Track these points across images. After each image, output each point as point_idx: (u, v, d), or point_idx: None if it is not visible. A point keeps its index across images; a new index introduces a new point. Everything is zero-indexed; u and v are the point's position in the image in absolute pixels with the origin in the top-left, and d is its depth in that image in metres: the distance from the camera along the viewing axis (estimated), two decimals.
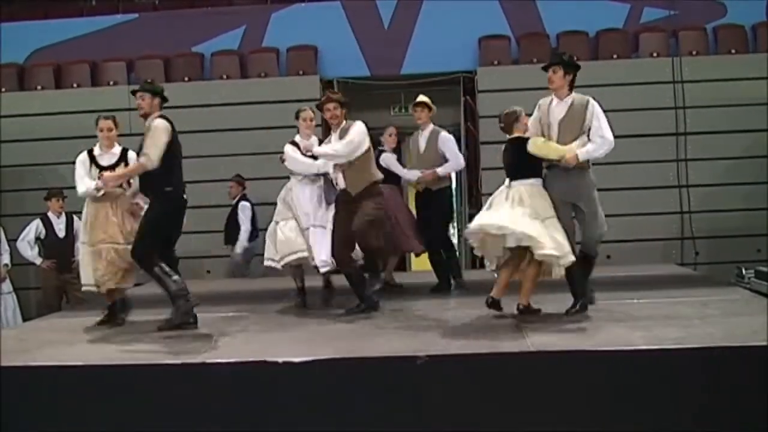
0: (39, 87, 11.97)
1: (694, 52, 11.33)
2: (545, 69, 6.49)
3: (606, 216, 6.52)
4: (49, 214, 9.55)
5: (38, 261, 9.51)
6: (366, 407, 4.98)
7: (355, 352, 5.42)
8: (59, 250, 9.42)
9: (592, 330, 5.85)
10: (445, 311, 7.14)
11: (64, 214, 9.49)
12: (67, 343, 6.17)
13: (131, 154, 6.89)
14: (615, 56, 11.42)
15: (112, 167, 6.82)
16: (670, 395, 4.87)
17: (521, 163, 6.40)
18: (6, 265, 9.64)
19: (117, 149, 6.99)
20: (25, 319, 9.37)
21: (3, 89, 11.86)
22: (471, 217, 11.97)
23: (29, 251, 9.49)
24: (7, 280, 9.68)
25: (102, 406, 5.06)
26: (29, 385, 5.17)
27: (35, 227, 9.52)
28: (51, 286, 9.49)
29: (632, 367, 4.96)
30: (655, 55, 11.38)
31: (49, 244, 9.46)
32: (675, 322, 5.89)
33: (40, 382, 5.18)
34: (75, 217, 8.89)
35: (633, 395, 4.89)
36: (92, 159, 6.88)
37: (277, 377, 5.06)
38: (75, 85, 11.90)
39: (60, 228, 9.46)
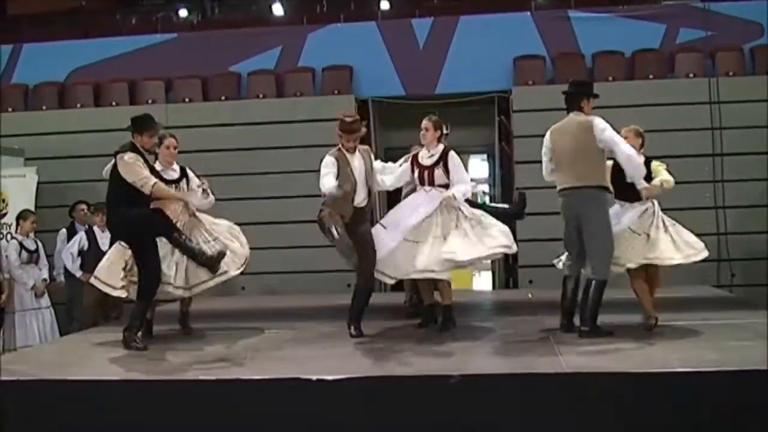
0: (79, 105, 12.18)
1: (730, 73, 11.24)
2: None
3: None
4: (95, 228, 9.60)
5: (79, 273, 9.55)
6: (399, 426, 4.98)
7: (389, 371, 5.43)
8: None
9: (628, 351, 5.81)
10: (478, 330, 7.12)
11: (107, 229, 9.53)
12: (105, 357, 6.23)
13: (189, 172, 7.30)
14: (651, 76, 11.36)
15: (175, 182, 7.10)
16: (706, 418, 4.83)
17: None
18: (45, 279, 9.74)
19: (176, 166, 7.29)
20: (62, 334, 9.45)
21: (44, 107, 12.12)
22: None
23: (71, 263, 9.55)
24: (45, 295, 9.78)
25: (137, 420, 5.10)
26: (66, 399, 5.22)
27: (79, 239, 9.59)
28: (91, 301, 9.55)
29: (669, 389, 4.92)
30: (691, 75, 11.30)
31: (90, 256, 9.41)
32: (711, 345, 5.85)
33: (76, 396, 5.24)
34: None
35: (669, 417, 4.85)
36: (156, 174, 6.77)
37: (311, 394, 5.07)
38: (114, 104, 12.05)
39: (104, 242, 9.36)
